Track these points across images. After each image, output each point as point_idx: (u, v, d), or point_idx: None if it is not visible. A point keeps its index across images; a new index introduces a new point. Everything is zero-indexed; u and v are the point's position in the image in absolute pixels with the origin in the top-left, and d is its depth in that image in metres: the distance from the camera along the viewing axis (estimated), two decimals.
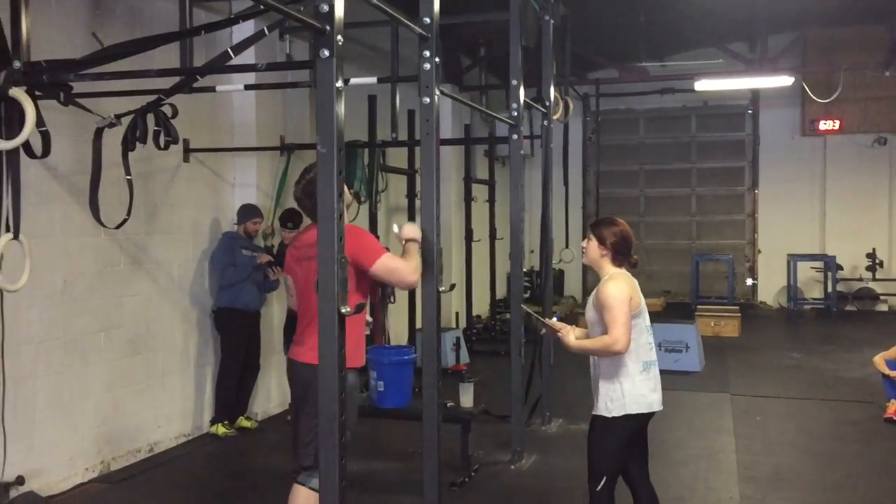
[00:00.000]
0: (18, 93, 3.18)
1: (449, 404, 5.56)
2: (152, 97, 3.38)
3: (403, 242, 4.00)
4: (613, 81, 13.38)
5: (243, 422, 6.72)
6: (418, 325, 9.19)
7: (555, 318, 4.19)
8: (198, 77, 3.27)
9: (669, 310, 13.93)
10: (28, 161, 4.95)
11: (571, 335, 3.93)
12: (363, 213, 7.89)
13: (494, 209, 11.30)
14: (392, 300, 8.49)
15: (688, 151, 15.69)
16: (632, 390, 3.78)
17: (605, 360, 3.83)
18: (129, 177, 3.47)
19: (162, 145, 3.42)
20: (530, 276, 15.21)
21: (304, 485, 4.01)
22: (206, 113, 6.57)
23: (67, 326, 5.31)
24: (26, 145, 3.31)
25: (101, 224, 3.53)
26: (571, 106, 7.59)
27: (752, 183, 15.36)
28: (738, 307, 12.89)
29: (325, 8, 2.93)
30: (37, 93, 3.42)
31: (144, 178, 5.96)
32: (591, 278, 16.00)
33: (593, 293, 3.94)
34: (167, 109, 3.62)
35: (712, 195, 15.64)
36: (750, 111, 15.27)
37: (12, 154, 3.21)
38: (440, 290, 4.15)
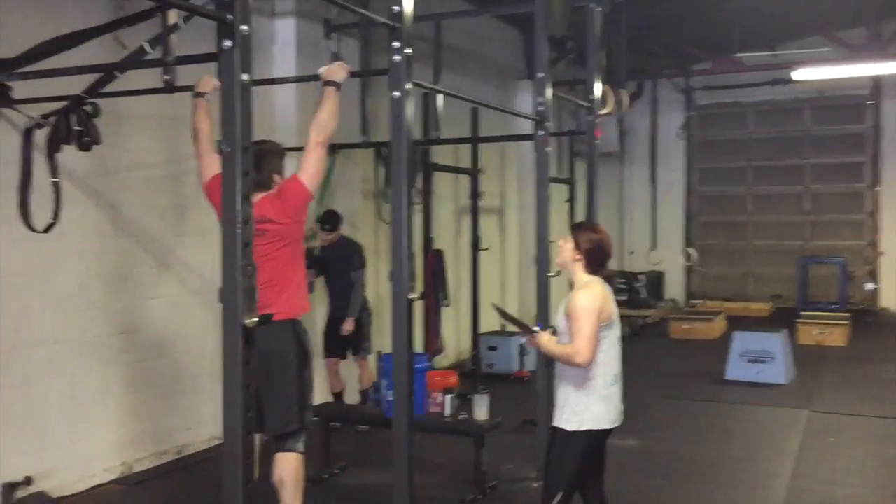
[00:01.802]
0: None
1: (462, 416, 5.25)
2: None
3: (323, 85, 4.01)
4: (706, 73, 12.62)
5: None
6: (482, 328, 8.93)
7: (537, 326, 3.94)
8: (116, 74, 3.14)
9: (776, 316, 13.07)
10: (39, 163, 5.04)
11: (545, 336, 3.77)
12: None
13: (574, 209, 10.84)
14: (446, 303, 8.30)
15: (801, 146, 14.60)
16: (598, 405, 3.62)
17: (571, 371, 3.63)
18: (54, 179, 3.38)
19: (82, 146, 3.28)
20: (627, 279, 14.63)
21: (293, 450, 4.08)
22: None
23: (84, 328, 5.35)
24: None
25: (31, 228, 3.44)
26: (626, 100, 7.10)
27: (873, 179, 14.14)
28: (849, 314, 11.87)
29: None
30: None
31: (174, 179, 5.97)
32: (694, 281, 15.21)
33: (564, 301, 3.72)
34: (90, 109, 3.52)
35: (828, 193, 14.50)
36: (871, 102, 14.07)
37: None
38: (410, 297, 3.85)
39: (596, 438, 3.68)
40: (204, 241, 6.19)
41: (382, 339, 8.31)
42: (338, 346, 6.78)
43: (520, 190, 10.76)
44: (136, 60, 3.05)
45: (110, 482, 5.50)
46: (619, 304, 12.06)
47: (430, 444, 5.91)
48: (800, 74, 11.55)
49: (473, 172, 8.53)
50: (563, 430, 3.65)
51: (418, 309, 8.09)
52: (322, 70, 4.03)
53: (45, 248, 5.08)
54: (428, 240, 7.85)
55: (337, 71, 4.01)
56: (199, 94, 4.12)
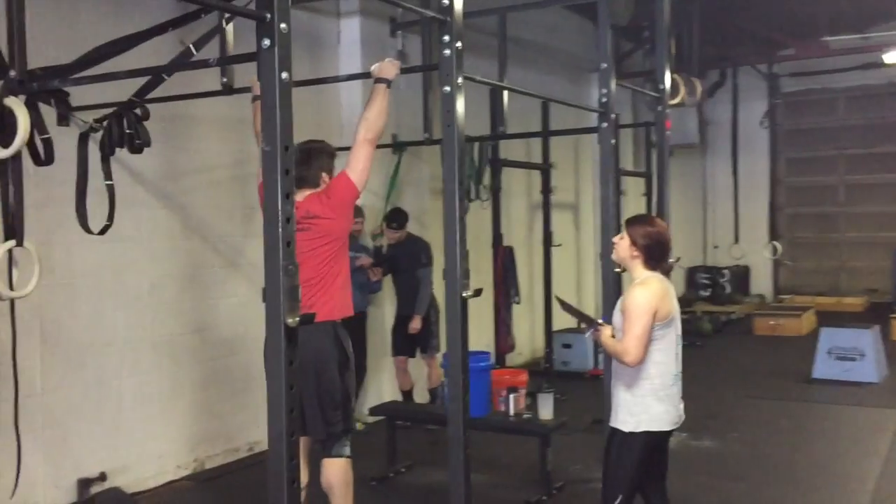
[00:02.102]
0: (12, 102, 3.23)
1: (526, 416, 5.16)
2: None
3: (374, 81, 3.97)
4: (791, 59, 12.12)
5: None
6: (556, 325, 8.80)
7: (601, 319, 3.82)
8: (164, 76, 3.18)
9: (870, 311, 12.51)
10: (113, 167, 5.18)
11: (607, 330, 3.65)
12: (475, 209, 7.63)
13: (651, 203, 10.57)
14: (517, 300, 8.21)
15: None
16: (656, 405, 3.50)
17: (626, 370, 3.52)
18: (109, 182, 3.43)
19: (133, 149, 3.33)
20: (711, 274, 14.23)
21: (339, 455, 4.04)
22: (311, 113, 6.58)
23: (155, 328, 5.47)
24: (34, 152, 3.35)
25: (88, 231, 3.51)
26: (699, 89, 6.86)
27: None
28: None
29: None
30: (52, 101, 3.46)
31: (241, 181, 6.05)
32: (783, 276, 14.68)
33: (621, 297, 3.61)
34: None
35: None
36: None
37: (15, 162, 3.25)
38: (465, 294, 3.78)
39: (655, 440, 3.56)
40: None
41: None
42: (406, 343, 6.77)
43: (595, 185, 10.55)
44: (182, 62, 3.07)
45: (183, 478, 5.62)
46: (703, 299, 11.83)
47: (498, 443, 5.86)
48: (892, 57, 10.99)
49: (544, 167, 8.39)
50: (619, 431, 3.55)
51: (488, 307, 8.03)
52: (373, 67, 4.00)
53: (117, 249, 5.22)
54: (497, 236, 7.77)
55: (387, 68, 3.97)
56: (256, 98, 4.15)
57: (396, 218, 6.64)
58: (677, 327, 3.62)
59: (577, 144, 10.50)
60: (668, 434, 3.62)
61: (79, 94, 3.95)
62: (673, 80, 6.20)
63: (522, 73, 8.90)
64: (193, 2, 2.69)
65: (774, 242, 12.61)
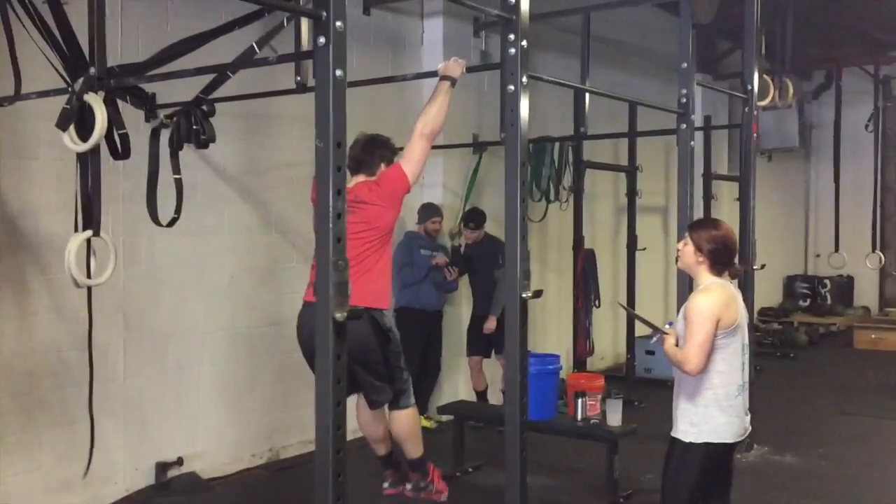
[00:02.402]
0: (91, 98, 3.37)
1: (593, 421, 5.07)
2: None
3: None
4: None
5: (423, 421, 6.69)
6: (640, 331, 8.62)
7: (667, 325, 3.71)
8: (229, 74, 3.27)
9: None
10: (195, 163, 5.37)
11: (671, 338, 3.54)
12: (554, 211, 7.57)
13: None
14: (597, 304, 8.08)
15: None
16: (718, 416, 3.39)
17: (688, 379, 3.42)
18: (177, 176, 3.55)
19: (199, 144, 3.43)
20: (811, 284, 13.68)
21: (405, 407, 4.48)
22: (393, 111, 6.64)
23: (234, 319, 5.64)
24: (112, 147, 3.49)
25: (158, 223, 3.64)
26: (791, 90, 6.60)
27: None
28: None
29: None
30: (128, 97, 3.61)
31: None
32: (890, 287, 13.97)
33: (685, 303, 3.49)
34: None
35: None
36: None
37: (93, 155, 3.41)
38: (524, 295, 3.75)
39: (716, 451, 3.44)
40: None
41: (534, 338, 8.24)
42: (481, 344, 6.76)
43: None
44: (244, 61, 3.15)
45: (258, 467, 5.77)
46: (801, 310, 11.35)
47: (570, 447, 5.78)
48: None
49: (629, 170, 8.23)
50: (680, 441, 3.47)
51: (569, 310, 7.93)
52: (440, 65, 4.04)
53: (199, 242, 5.41)
54: (579, 239, 7.67)
55: (453, 66, 4.04)
56: None
57: (474, 218, 6.65)
58: (744, 336, 3.50)
59: (668, 147, 10.23)
60: (731, 446, 3.50)
61: (165, 91, 4.13)
62: (763, 81, 5.97)
63: (612, 74, 8.77)
64: (255, 2, 2.77)
65: (879, 252, 12.01)
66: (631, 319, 8.28)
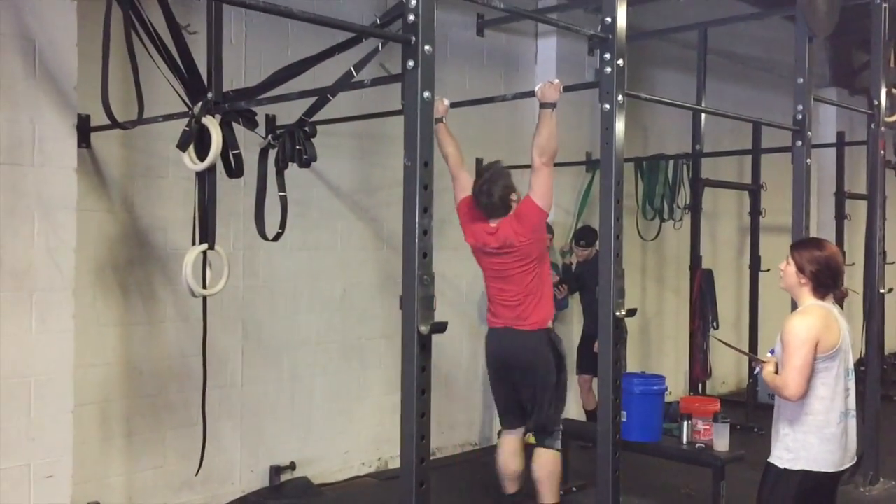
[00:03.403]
0: (208, 121, 3.63)
1: (699, 446, 4.95)
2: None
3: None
4: None
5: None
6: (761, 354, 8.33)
7: (768, 354, 3.62)
8: (329, 97, 3.44)
9: None
10: (311, 181, 5.64)
11: (770, 365, 3.46)
12: (667, 230, 7.43)
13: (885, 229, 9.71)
14: (715, 325, 7.87)
15: None
16: (817, 445, 3.28)
17: (788, 404, 3.34)
18: (282, 193, 3.74)
19: (302, 164, 3.62)
20: None
21: (551, 448, 4.63)
22: (504, 130, 6.74)
23: (345, 331, 5.85)
24: (227, 166, 3.74)
25: (265, 237, 3.85)
26: None
27: None
28: None
29: (412, 18, 2.89)
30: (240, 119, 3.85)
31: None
32: None
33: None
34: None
35: None
36: None
37: (210, 174, 3.66)
38: (618, 313, 3.73)
39: (815, 481, 3.32)
40: (459, 255, 6.45)
41: (650, 359, 8.10)
42: (591, 363, 6.67)
43: (817, 207, 9.85)
44: (344, 84, 3.32)
45: (367, 475, 5.94)
46: None
47: (681, 472, 5.66)
48: None
49: (753, 188, 7.99)
50: (775, 466, 3.36)
51: (684, 331, 7.75)
52: (536, 90, 4.10)
53: (313, 256, 5.66)
54: (696, 258, 7.50)
55: (549, 92, 4.11)
56: (436, 121, 4.40)
57: (585, 236, 6.62)
58: (847, 360, 3.38)
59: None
60: (831, 476, 3.35)
61: (284, 114, 4.39)
62: (892, 95, 5.70)
63: (737, 90, 8.56)
64: (350, 30, 2.93)
65: None
66: (754, 342, 8.02)
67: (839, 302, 3.52)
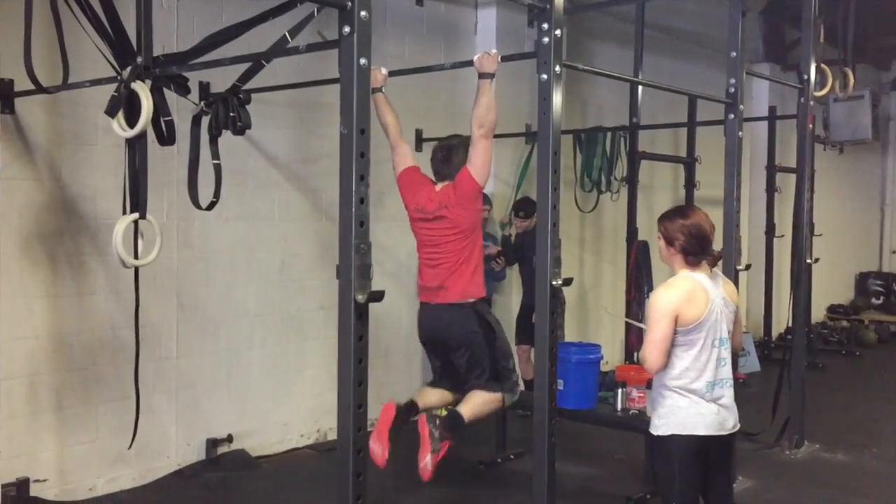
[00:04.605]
0: (138, 86, 3.53)
1: (633, 412, 5.04)
2: None
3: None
4: None
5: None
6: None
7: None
8: (263, 63, 3.37)
9: None
10: (248, 151, 5.55)
11: None
12: (605, 202, 7.53)
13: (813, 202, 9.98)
14: (649, 296, 7.99)
15: None
16: (685, 408, 3.29)
17: (660, 374, 3.35)
18: (216, 161, 3.67)
19: (236, 131, 3.55)
20: (886, 281, 13.26)
21: (490, 391, 4.43)
22: (444, 101, 6.72)
23: (284, 302, 5.80)
24: (159, 134, 3.65)
25: (199, 207, 3.77)
26: (852, 80, 6.42)
27: None
28: None
29: None
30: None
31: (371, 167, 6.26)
32: None
33: None
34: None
35: None
36: None
37: (140, 141, 3.56)
38: (554, 283, 3.78)
39: (691, 444, 3.27)
40: (398, 225, 6.43)
41: (587, 329, 8.22)
42: (530, 333, 6.70)
43: (749, 181, 10.09)
44: (278, 50, 3.26)
45: (305, 447, 5.93)
46: (874, 308, 10.99)
47: (614, 438, 5.78)
48: None
49: (687, 161, 8.13)
50: (652, 435, 3.40)
51: (622, 301, 7.89)
52: (475, 60, 4.10)
53: (250, 228, 5.58)
54: (632, 231, 7.61)
55: (487, 62, 4.10)
56: (374, 90, 4.35)
57: (524, 207, 6.66)
58: (717, 330, 3.30)
59: None
60: (707, 439, 3.29)
61: (219, 80, 4.27)
62: (822, 70, 5.83)
63: (673, 63, 8.65)
64: None
65: None
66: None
67: (713, 265, 3.44)
